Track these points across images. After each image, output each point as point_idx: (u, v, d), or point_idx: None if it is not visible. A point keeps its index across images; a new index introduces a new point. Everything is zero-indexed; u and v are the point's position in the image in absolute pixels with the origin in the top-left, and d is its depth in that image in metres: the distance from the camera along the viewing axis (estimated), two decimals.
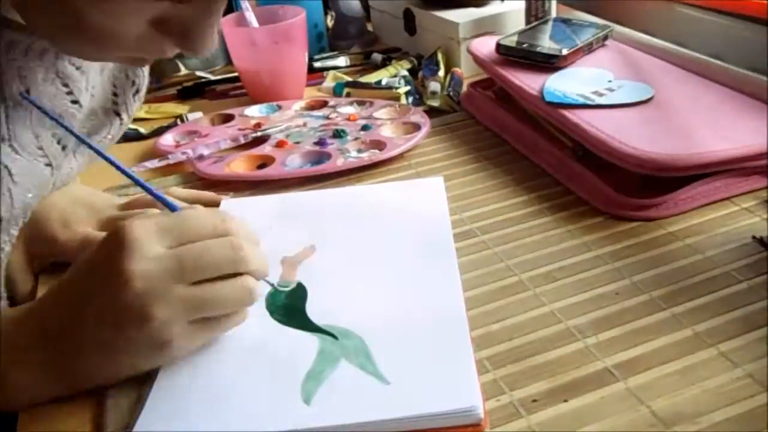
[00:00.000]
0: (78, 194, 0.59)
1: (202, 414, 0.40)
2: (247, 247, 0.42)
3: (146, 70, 0.60)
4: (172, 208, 0.44)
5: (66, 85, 0.48)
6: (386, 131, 0.72)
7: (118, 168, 0.45)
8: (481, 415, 0.38)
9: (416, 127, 0.72)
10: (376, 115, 0.76)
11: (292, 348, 0.44)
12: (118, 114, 0.57)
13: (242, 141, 0.73)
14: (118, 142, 0.78)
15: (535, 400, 0.39)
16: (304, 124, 0.75)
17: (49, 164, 0.48)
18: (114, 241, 0.40)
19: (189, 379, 0.42)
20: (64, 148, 0.50)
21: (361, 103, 0.80)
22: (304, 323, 0.46)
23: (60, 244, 0.55)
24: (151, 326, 0.39)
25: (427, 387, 0.40)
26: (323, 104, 0.81)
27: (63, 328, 0.41)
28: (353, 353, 0.43)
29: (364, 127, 0.73)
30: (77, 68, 0.49)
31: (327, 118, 0.77)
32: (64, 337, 0.41)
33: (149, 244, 0.39)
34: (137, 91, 0.59)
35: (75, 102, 0.50)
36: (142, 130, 0.80)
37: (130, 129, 0.80)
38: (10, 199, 0.44)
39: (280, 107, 0.81)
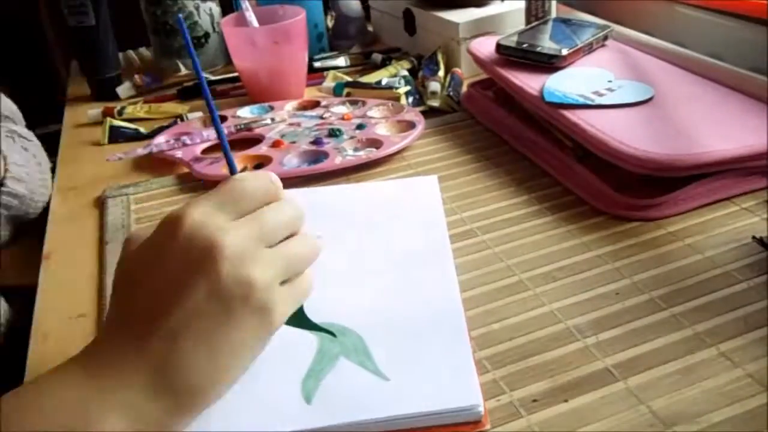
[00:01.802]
0: None
1: (202, 415, 0.40)
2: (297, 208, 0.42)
3: None
4: (233, 171, 0.42)
5: None
6: (381, 129, 0.72)
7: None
8: (482, 412, 0.38)
9: (411, 125, 0.72)
10: (369, 114, 0.76)
11: (291, 347, 0.44)
12: None
13: (225, 132, 0.74)
14: (119, 141, 0.79)
15: (535, 400, 0.39)
16: (299, 124, 0.75)
17: None
18: (181, 231, 0.37)
19: None
20: None
21: (353, 103, 0.80)
22: (302, 322, 0.46)
23: None
24: (255, 292, 0.36)
25: (427, 385, 0.40)
26: (316, 104, 0.81)
27: (155, 346, 0.36)
28: (352, 351, 0.43)
29: (359, 126, 0.73)
30: None
31: (321, 117, 0.77)
32: (159, 355, 0.36)
33: (218, 218, 0.37)
34: None
35: None
36: (142, 129, 0.80)
37: (129, 129, 0.81)
38: None
39: (272, 108, 0.81)
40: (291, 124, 0.76)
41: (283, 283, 0.39)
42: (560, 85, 0.66)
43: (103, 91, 0.93)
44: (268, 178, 0.41)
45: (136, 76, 0.94)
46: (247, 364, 0.38)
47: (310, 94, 0.86)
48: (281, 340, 0.45)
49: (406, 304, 0.47)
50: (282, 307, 0.38)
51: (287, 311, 0.39)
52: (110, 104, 0.87)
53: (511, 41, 0.73)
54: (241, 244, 0.37)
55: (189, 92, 0.90)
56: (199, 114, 0.82)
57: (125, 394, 0.35)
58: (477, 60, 0.76)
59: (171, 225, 0.37)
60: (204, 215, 0.37)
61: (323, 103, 0.81)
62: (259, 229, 0.38)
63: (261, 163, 0.69)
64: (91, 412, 0.34)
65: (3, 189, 0.65)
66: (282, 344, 0.44)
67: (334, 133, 0.72)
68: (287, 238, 0.40)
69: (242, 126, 0.75)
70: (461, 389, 0.39)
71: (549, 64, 0.70)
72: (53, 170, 0.75)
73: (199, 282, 0.36)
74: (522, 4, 0.85)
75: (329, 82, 0.87)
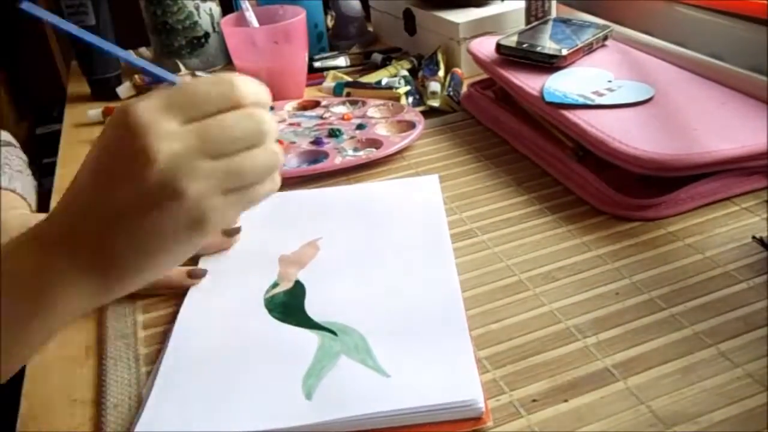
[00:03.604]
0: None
1: (203, 413, 0.40)
2: (266, 115, 0.39)
3: None
4: (171, 81, 0.42)
5: None
6: (381, 130, 0.72)
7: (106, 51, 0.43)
8: (482, 407, 0.38)
9: (411, 125, 0.72)
10: (369, 114, 0.76)
11: (292, 345, 0.44)
12: None
13: None
14: None
15: (535, 400, 0.39)
16: (298, 124, 0.76)
17: None
18: (123, 126, 0.36)
19: (190, 378, 0.42)
20: None
21: (353, 103, 0.80)
22: (303, 320, 0.46)
23: None
24: (185, 203, 0.36)
25: (428, 380, 0.40)
26: (315, 104, 0.81)
27: (90, 230, 0.37)
28: (353, 349, 0.43)
29: (359, 126, 0.73)
30: None
31: (321, 117, 0.77)
32: (94, 240, 0.37)
33: (161, 121, 0.36)
34: None
35: None
36: None
37: None
38: None
39: (272, 108, 0.81)
40: (291, 124, 0.76)
41: (226, 192, 0.38)
42: (560, 85, 0.66)
43: (103, 91, 0.93)
44: (230, 82, 0.38)
45: (136, 76, 0.94)
46: (177, 261, 0.39)
47: (310, 94, 0.86)
48: (282, 338, 0.45)
49: (408, 303, 0.47)
50: (219, 216, 0.38)
51: (227, 219, 0.39)
52: (111, 104, 0.87)
53: (511, 41, 0.73)
54: (176, 154, 0.36)
55: None
56: None
57: (69, 271, 0.37)
58: (477, 60, 0.76)
59: (117, 115, 0.37)
60: (148, 113, 0.36)
61: (323, 103, 0.81)
62: (201, 139, 0.36)
63: None
64: (43, 284, 0.37)
65: None
66: (283, 343, 0.45)
67: (334, 133, 0.72)
68: (248, 148, 0.38)
69: None
70: (462, 385, 0.39)
71: (549, 64, 0.70)
72: (53, 170, 0.75)
73: (127, 183, 0.36)
74: (522, 4, 0.85)
75: (329, 82, 0.87)
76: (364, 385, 0.40)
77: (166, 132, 0.36)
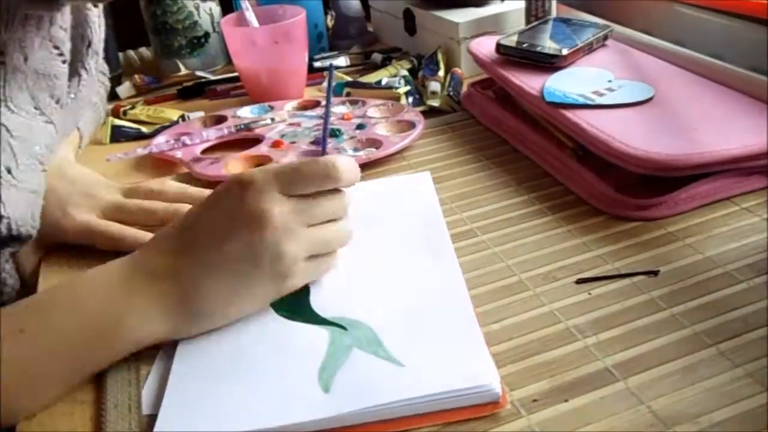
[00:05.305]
0: (75, 177, 0.59)
1: (222, 412, 0.40)
2: (348, 197, 0.48)
3: (96, 25, 0.63)
4: (323, 151, 0.55)
5: (57, 47, 0.53)
6: (381, 130, 0.72)
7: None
8: (499, 392, 0.38)
9: (411, 125, 0.72)
10: (369, 114, 0.76)
11: (304, 342, 0.44)
12: (77, 72, 0.61)
13: (225, 132, 0.74)
14: (121, 140, 0.79)
15: (535, 400, 0.39)
16: (299, 124, 0.76)
17: (49, 122, 0.54)
18: (241, 191, 0.44)
19: (204, 379, 0.42)
20: (58, 101, 0.54)
21: (353, 103, 0.80)
22: (310, 317, 0.47)
23: (61, 230, 0.56)
24: (282, 262, 0.44)
25: (442, 368, 0.40)
26: (316, 104, 0.81)
27: (187, 272, 0.44)
28: (364, 342, 0.43)
29: (359, 126, 0.73)
30: (64, 30, 0.54)
31: (321, 117, 0.77)
32: (189, 281, 0.44)
33: (274, 191, 0.44)
34: (89, 45, 0.62)
35: (64, 62, 0.55)
36: (144, 129, 0.80)
37: (132, 128, 0.81)
38: (11, 151, 0.49)
39: (272, 108, 0.81)
40: (291, 124, 0.76)
41: (308, 258, 0.46)
42: (560, 84, 0.66)
43: None
44: (333, 164, 0.46)
45: (136, 76, 0.94)
46: (251, 312, 0.46)
47: (310, 94, 0.86)
48: (293, 335, 0.45)
49: (413, 294, 0.47)
50: (298, 279, 0.46)
51: (301, 283, 0.47)
52: (111, 104, 0.87)
53: (511, 41, 0.73)
54: (287, 219, 0.44)
55: (189, 92, 0.90)
56: (200, 114, 0.82)
57: (150, 305, 0.43)
58: (477, 60, 0.76)
59: (238, 184, 0.45)
60: (266, 183, 0.44)
61: (323, 103, 0.81)
62: (305, 211, 0.45)
63: (261, 163, 0.69)
64: (115, 314, 0.42)
65: None
66: (294, 340, 0.45)
67: (334, 133, 0.72)
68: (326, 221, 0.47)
69: (242, 126, 0.75)
70: (477, 370, 0.40)
71: (549, 63, 0.70)
72: None
73: (243, 236, 0.43)
74: (522, 4, 0.85)
75: None
76: (380, 376, 0.40)
77: (281, 200, 0.44)
